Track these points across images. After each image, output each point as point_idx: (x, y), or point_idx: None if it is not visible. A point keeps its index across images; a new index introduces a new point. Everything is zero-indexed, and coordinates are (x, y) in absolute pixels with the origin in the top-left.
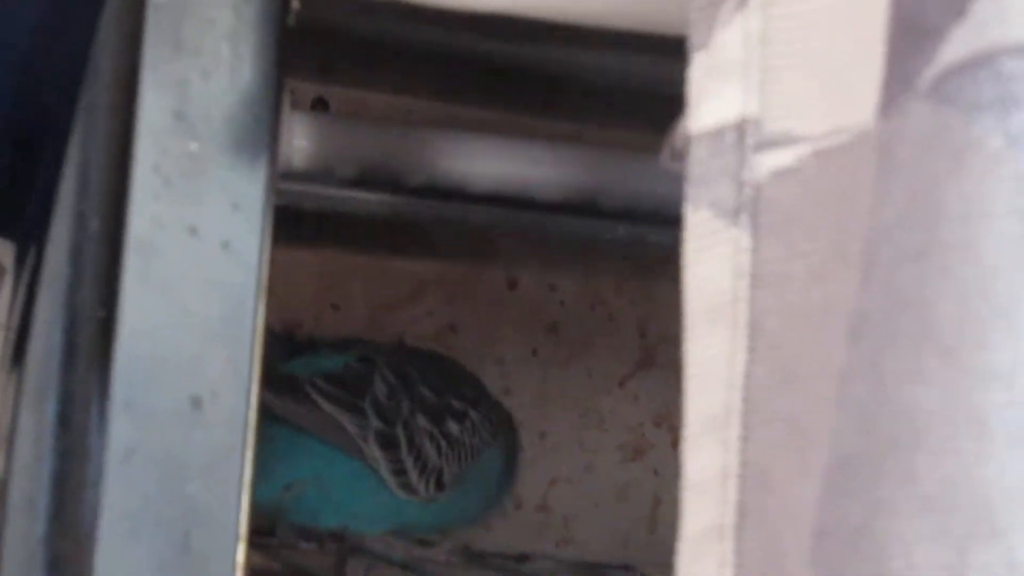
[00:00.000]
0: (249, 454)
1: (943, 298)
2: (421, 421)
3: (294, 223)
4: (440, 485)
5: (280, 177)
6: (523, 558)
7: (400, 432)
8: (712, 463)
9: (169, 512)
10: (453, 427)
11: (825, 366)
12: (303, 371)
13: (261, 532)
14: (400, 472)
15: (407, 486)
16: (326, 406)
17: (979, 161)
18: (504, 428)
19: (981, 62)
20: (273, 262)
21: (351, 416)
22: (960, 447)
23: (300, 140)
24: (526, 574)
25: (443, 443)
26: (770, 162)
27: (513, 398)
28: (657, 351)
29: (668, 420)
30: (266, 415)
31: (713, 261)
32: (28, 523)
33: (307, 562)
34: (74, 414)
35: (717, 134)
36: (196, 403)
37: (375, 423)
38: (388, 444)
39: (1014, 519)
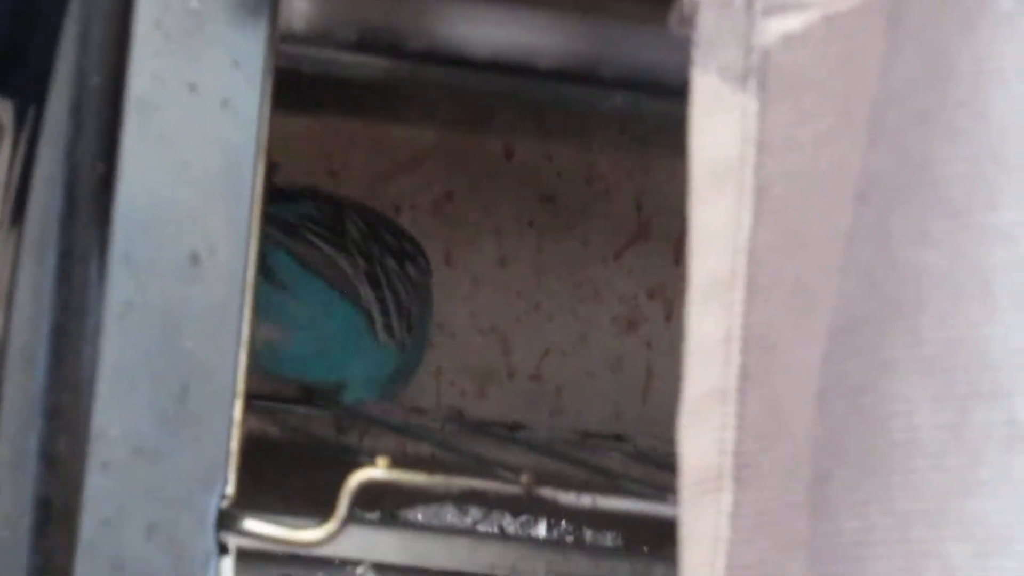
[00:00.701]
0: (247, 311)
1: (952, 159)
2: (390, 262)
3: (292, 89)
4: (410, 327)
5: (280, 39)
6: (517, 427)
7: (379, 271)
8: (715, 327)
9: (167, 366)
10: (411, 268)
11: (830, 230)
12: (287, 215)
13: (259, 396)
14: (385, 312)
15: (389, 328)
16: (324, 247)
17: (990, 23)
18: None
19: None
20: (270, 128)
21: (344, 256)
22: (965, 308)
23: (300, 2)
24: (520, 443)
25: (407, 283)
26: (779, 26)
27: (509, 268)
28: (652, 224)
29: (662, 293)
30: (277, 249)
31: (720, 126)
32: (28, 376)
33: (304, 425)
34: (74, 268)
35: None
36: (194, 259)
37: (361, 262)
38: (375, 283)
39: (1016, 379)
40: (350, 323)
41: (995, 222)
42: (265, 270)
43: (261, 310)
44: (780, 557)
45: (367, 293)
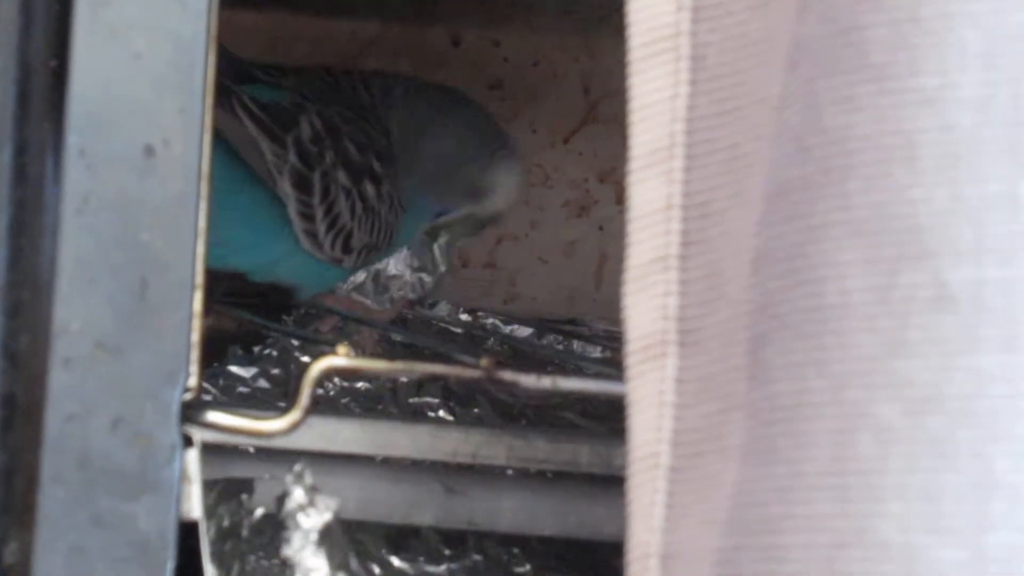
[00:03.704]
0: (204, 203)
1: (875, 24)
2: (341, 176)
3: None
4: (347, 248)
5: None
6: (472, 315)
7: (317, 179)
8: (656, 195)
9: (125, 259)
10: (369, 189)
11: (764, 96)
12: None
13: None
14: (308, 218)
15: (313, 237)
16: (249, 126)
17: None
18: None
19: None
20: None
21: (270, 143)
22: (891, 172)
23: None
24: (476, 330)
25: (358, 204)
26: None
27: None
28: (600, 107)
29: (612, 176)
30: None
31: None
32: None
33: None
34: (29, 164)
35: None
36: (149, 151)
37: (293, 159)
38: (302, 185)
39: (942, 240)
40: (263, 206)
41: (919, 86)
42: None
43: None
44: (723, 420)
45: (286, 187)
